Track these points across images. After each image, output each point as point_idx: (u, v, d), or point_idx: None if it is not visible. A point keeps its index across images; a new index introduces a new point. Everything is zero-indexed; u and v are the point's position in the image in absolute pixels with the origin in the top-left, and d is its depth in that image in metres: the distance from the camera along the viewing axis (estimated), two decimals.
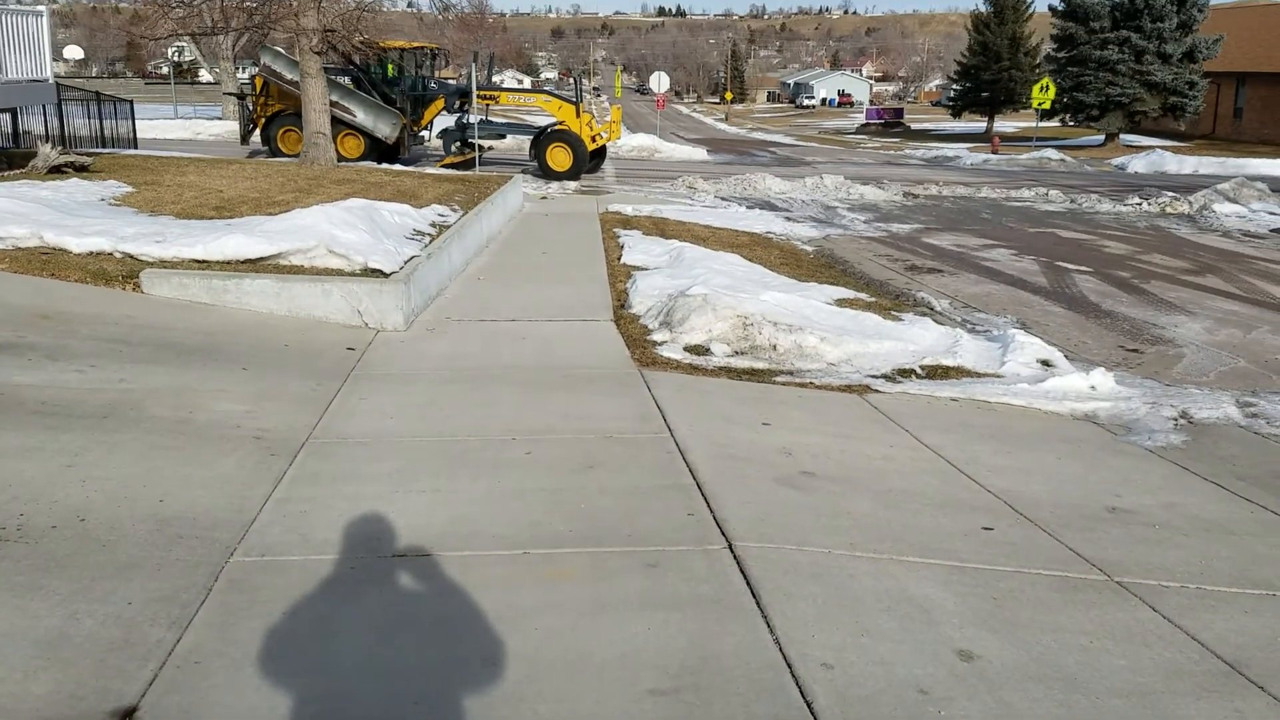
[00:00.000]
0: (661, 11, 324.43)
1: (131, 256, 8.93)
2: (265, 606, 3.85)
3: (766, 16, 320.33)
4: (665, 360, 8.14)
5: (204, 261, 8.91)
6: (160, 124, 35.07)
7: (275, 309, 8.49)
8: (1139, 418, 7.67)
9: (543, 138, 24.79)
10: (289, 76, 23.04)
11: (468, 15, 21.18)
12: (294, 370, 7.09)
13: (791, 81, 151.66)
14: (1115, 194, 25.20)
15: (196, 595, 3.88)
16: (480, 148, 26.21)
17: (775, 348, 8.60)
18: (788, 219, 19.33)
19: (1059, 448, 6.92)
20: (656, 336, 8.78)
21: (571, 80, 32.49)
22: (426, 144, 27.49)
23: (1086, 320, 11.49)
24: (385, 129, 23.78)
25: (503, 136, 27.69)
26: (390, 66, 25.06)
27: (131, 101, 25.69)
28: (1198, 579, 4.82)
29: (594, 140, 24.94)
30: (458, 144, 25.53)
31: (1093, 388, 8.14)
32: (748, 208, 20.61)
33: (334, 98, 23.22)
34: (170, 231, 9.58)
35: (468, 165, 24.38)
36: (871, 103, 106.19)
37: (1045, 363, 8.74)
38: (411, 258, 9.85)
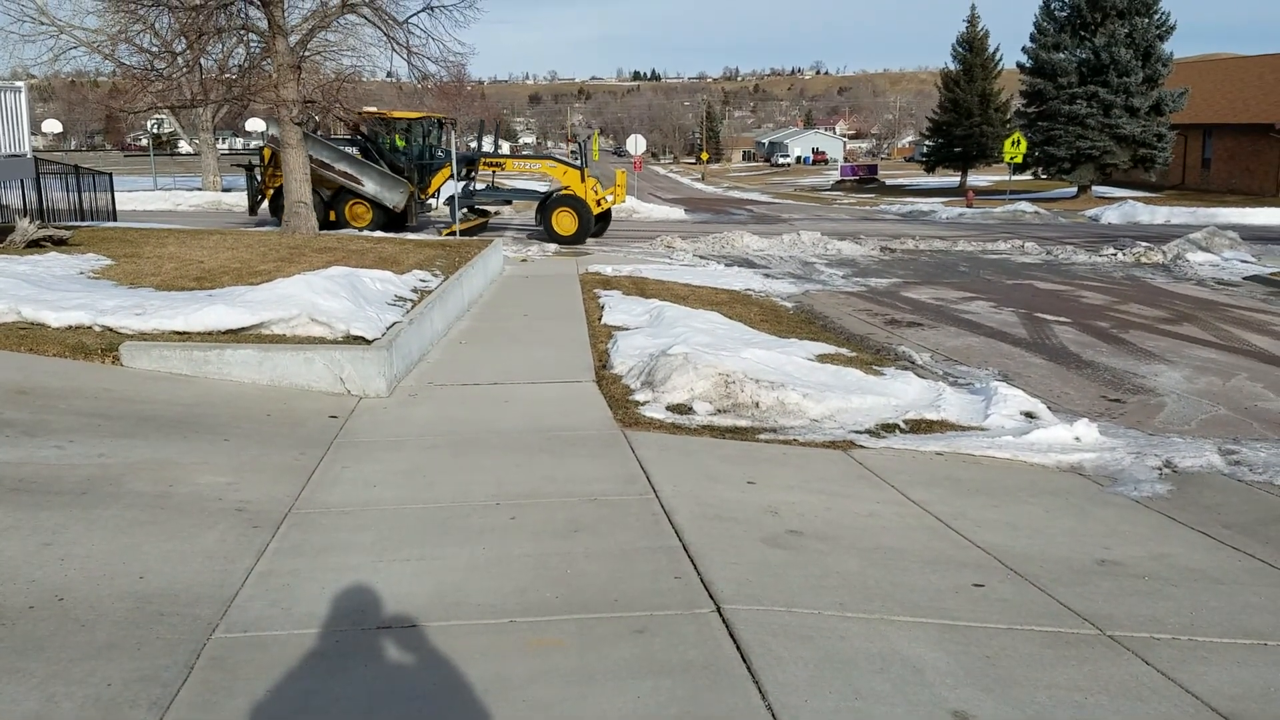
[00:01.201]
0: (636, 76, 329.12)
1: (111, 330, 8.89)
2: (248, 684, 3.78)
3: (740, 78, 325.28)
4: (648, 420, 8.12)
5: (185, 333, 8.88)
6: (140, 195, 35.13)
7: (257, 379, 8.45)
8: (1124, 468, 7.68)
9: (548, 203, 24.94)
10: None
11: (446, 84, 21.35)
12: (277, 440, 7.03)
13: (766, 141, 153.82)
14: (1090, 245, 25.52)
15: (178, 674, 3.80)
16: (486, 213, 26.45)
17: (758, 405, 8.60)
18: (766, 276, 19.47)
19: (1046, 500, 6.91)
20: (639, 396, 8.77)
21: (576, 145, 32.87)
22: (433, 210, 27.68)
23: (1068, 371, 11.56)
24: (394, 198, 23.96)
25: (509, 202, 27.97)
26: (398, 136, 25.32)
27: (110, 174, 25.79)
28: (1189, 630, 4.80)
29: (599, 204, 25.08)
30: (464, 210, 25.77)
31: (1077, 439, 8.17)
32: (726, 265, 20.74)
33: (343, 167, 23.48)
34: (150, 303, 9.56)
35: (475, 231, 24.69)
36: (846, 160, 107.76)
37: (1029, 415, 8.77)
38: (394, 324, 9.85)
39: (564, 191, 24.91)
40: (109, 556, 4.74)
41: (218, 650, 4.02)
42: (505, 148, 29.71)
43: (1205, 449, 8.12)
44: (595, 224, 25.27)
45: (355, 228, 23.12)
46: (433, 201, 26.83)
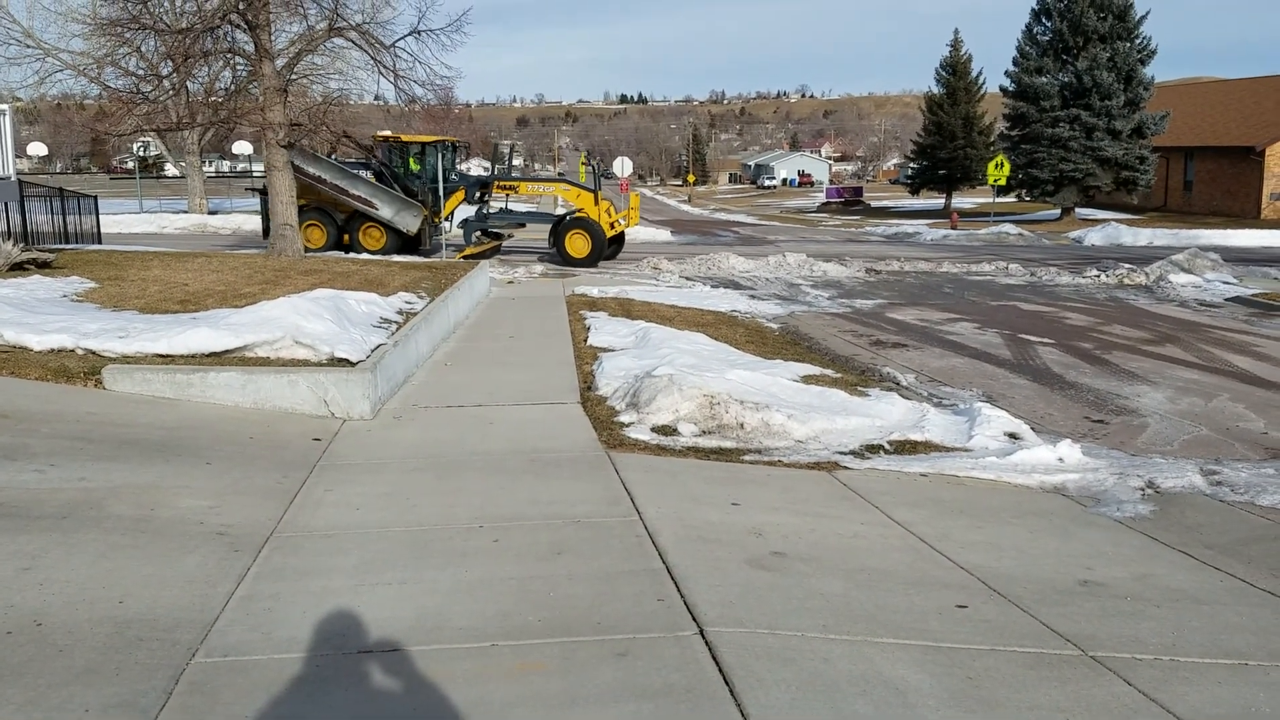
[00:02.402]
0: (623, 99, 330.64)
1: (94, 353, 8.86)
2: (228, 709, 3.75)
3: (726, 101, 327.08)
4: (633, 442, 8.12)
5: (168, 356, 8.85)
6: (125, 219, 35.05)
7: (241, 401, 8.43)
8: (1107, 489, 7.71)
9: (562, 225, 24.97)
10: (310, 170, 23.43)
11: (433, 107, 21.43)
12: (259, 463, 7.01)
13: (752, 163, 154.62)
14: (1074, 267, 25.69)
15: (156, 700, 3.77)
16: (500, 236, 26.44)
17: (743, 426, 8.61)
18: (752, 297, 19.53)
19: (1029, 521, 6.93)
20: (624, 418, 8.77)
21: (590, 168, 32.88)
22: (447, 234, 27.69)
23: (1051, 392, 11.62)
24: (408, 221, 23.97)
25: (523, 225, 27.97)
26: (412, 160, 25.34)
27: (95, 197, 25.69)
28: (1170, 650, 4.81)
29: (612, 227, 25.07)
30: (478, 234, 25.80)
31: (1060, 459, 8.20)
32: (712, 287, 20.81)
33: (358, 191, 23.51)
34: (134, 327, 9.53)
35: (489, 254, 24.75)
36: (831, 182, 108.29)
37: (1012, 435, 8.81)
38: (378, 346, 9.84)
39: (578, 214, 24.89)
40: (89, 581, 4.71)
41: (197, 675, 3.99)
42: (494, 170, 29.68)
43: (1187, 469, 8.16)
44: (609, 246, 25.23)
45: (369, 251, 23.05)
46: (446, 225, 26.87)
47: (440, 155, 26.12)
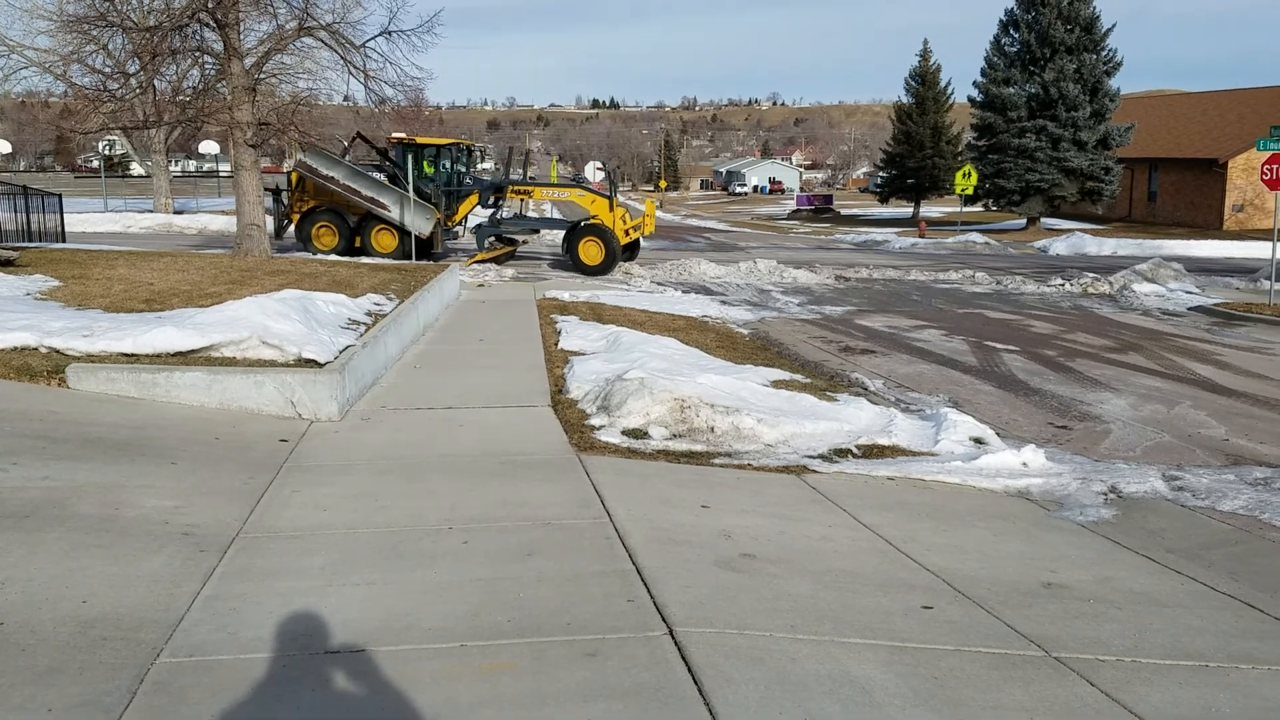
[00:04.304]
0: (595, 104, 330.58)
1: (57, 351, 8.76)
2: (193, 709, 3.72)
3: (698, 108, 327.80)
4: (603, 445, 8.13)
5: (133, 355, 8.76)
6: (91, 217, 34.62)
7: (206, 402, 8.35)
8: (1070, 493, 7.81)
9: (576, 232, 24.64)
10: (325, 171, 23.29)
11: (404, 108, 21.36)
12: (225, 464, 6.95)
13: (724, 170, 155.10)
14: (1039, 275, 25.97)
15: (120, 699, 3.73)
16: (515, 242, 26.26)
17: (713, 430, 8.64)
18: (723, 303, 19.59)
19: (994, 524, 7.01)
20: (594, 421, 8.78)
21: (606, 174, 32.76)
22: (460, 238, 27.46)
23: (1016, 398, 11.74)
24: (420, 224, 23.80)
25: (536, 231, 27.67)
26: (426, 162, 25.20)
27: (60, 195, 25.39)
28: (1132, 652, 4.88)
29: (627, 234, 24.84)
30: (491, 239, 25.61)
31: (1025, 464, 8.29)
32: (684, 292, 20.86)
33: (370, 193, 23.30)
34: (98, 325, 9.42)
35: (502, 260, 24.64)
36: (802, 190, 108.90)
37: (978, 440, 8.89)
38: (346, 347, 9.79)
39: (592, 221, 24.58)
40: (52, 580, 4.65)
41: (162, 675, 3.96)
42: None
43: (1149, 475, 8.27)
44: (624, 252, 24.99)
45: (381, 254, 22.85)
46: (459, 229, 26.67)
47: (454, 158, 25.96)
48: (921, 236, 42.43)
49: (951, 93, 61.06)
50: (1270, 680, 4.69)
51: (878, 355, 14.41)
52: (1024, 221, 48.06)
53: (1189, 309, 20.47)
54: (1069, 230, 41.80)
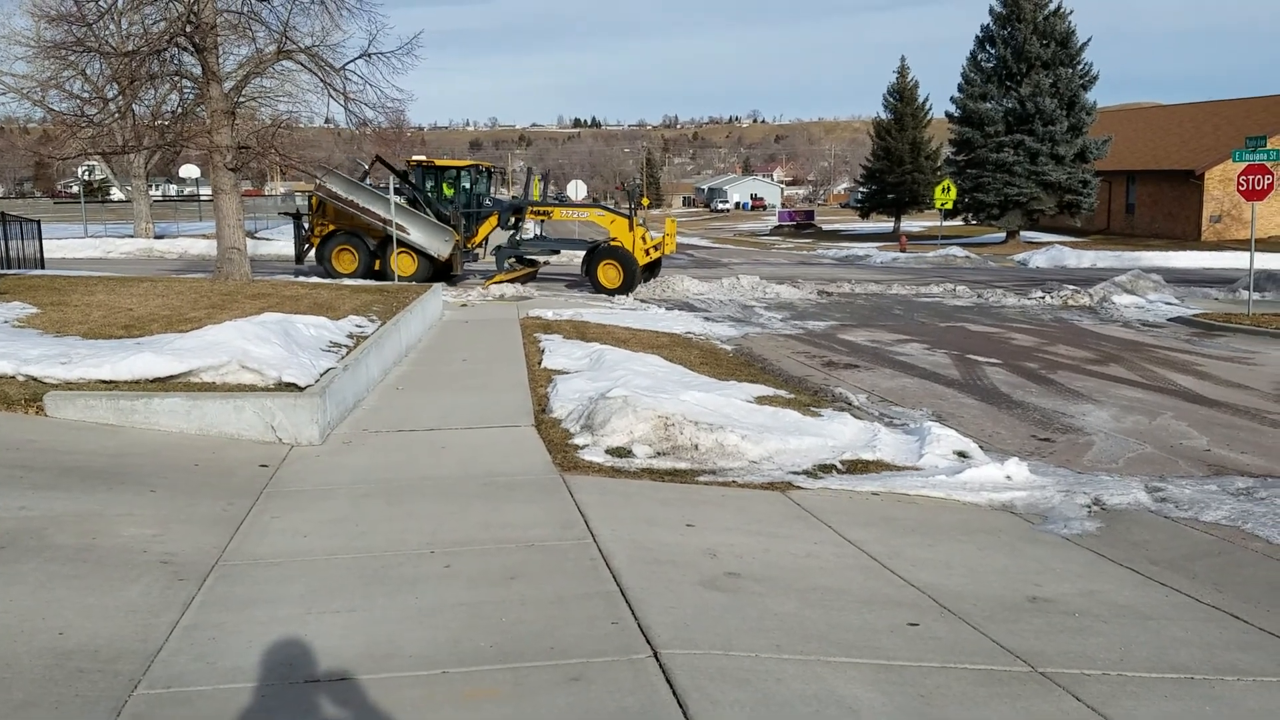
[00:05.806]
0: (577, 123, 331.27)
1: (35, 379, 8.68)
2: None
3: (679, 126, 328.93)
4: (587, 464, 8.10)
5: (111, 382, 8.69)
6: (70, 243, 34.39)
7: (186, 428, 8.29)
8: (1054, 506, 7.81)
9: (595, 254, 24.56)
10: (345, 195, 23.26)
11: (385, 130, 21.36)
12: (204, 490, 6.89)
13: (706, 187, 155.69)
14: (1019, 288, 26.10)
15: None
16: (535, 263, 26.16)
17: (697, 447, 8.62)
18: (706, 319, 19.60)
19: (979, 538, 7.00)
20: (578, 440, 8.74)
21: (626, 193, 32.90)
22: (480, 259, 27.32)
23: (999, 411, 11.76)
24: (439, 246, 23.73)
25: (556, 252, 27.61)
26: (445, 184, 25.05)
27: (39, 221, 25.26)
28: (1118, 666, 4.87)
29: (648, 254, 24.73)
30: (511, 260, 25.52)
31: (1008, 477, 8.30)
32: (667, 309, 20.86)
33: (388, 217, 23.17)
34: (76, 352, 9.34)
35: (523, 281, 24.58)
36: (783, 206, 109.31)
37: (961, 454, 8.90)
38: (328, 370, 9.73)
39: (612, 243, 24.44)
40: (28, 612, 4.59)
41: (139, 707, 3.90)
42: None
43: (1132, 487, 8.29)
44: (645, 272, 24.90)
45: (401, 277, 22.82)
46: (479, 250, 26.55)
47: (474, 180, 25.88)
48: (902, 251, 42.63)
49: (930, 108, 61.55)
50: (1255, 692, 4.69)
51: (861, 370, 14.43)
52: (1003, 235, 48.32)
53: (1169, 320, 20.59)
54: (1048, 243, 42.07)
